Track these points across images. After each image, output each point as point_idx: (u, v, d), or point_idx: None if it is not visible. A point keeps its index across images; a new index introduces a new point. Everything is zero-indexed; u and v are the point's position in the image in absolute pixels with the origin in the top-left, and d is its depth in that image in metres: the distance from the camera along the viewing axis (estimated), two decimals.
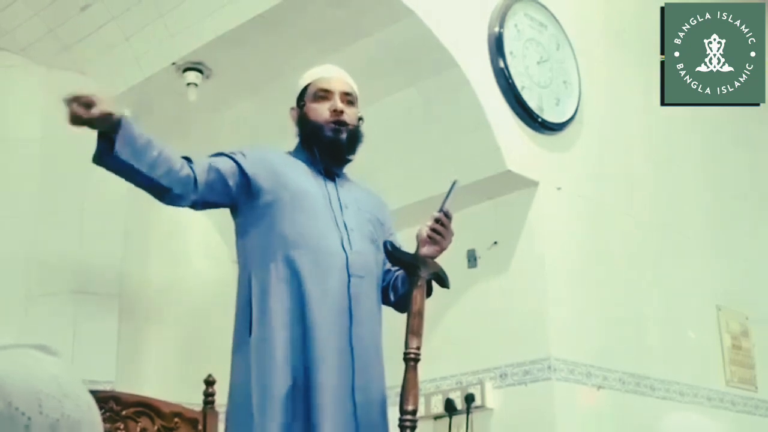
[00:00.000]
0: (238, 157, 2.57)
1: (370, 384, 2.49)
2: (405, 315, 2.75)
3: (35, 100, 4.42)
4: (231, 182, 2.53)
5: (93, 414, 0.81)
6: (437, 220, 2.52)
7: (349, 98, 2.70)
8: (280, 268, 2.50)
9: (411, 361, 2.41)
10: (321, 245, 2.52)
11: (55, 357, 0.81)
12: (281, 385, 2.40)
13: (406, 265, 2.51)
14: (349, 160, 2.74)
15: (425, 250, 2.53)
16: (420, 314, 2.46)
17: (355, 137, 2.70)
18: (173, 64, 4.14)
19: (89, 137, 4.49)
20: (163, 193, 2.41)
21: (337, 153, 2.67)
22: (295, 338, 2.45)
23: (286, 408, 2.39)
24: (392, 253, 2.49)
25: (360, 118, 2.73)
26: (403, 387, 2.39)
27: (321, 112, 2.66)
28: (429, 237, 2.53)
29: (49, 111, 4.42)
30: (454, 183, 2.55)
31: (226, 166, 2.53)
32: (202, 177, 2.46)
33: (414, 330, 2.44)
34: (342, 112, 2.65)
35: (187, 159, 2.46)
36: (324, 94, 2.68)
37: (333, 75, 2.74)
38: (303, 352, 2.43)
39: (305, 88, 2.74)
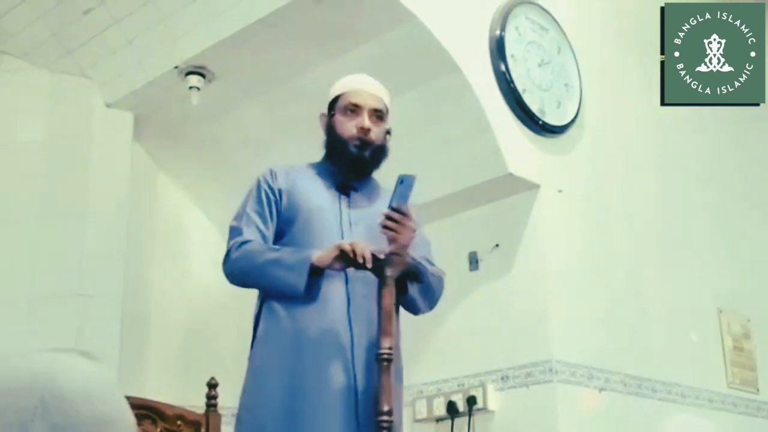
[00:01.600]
0: (274, 188, 2.67)
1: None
2: (404, 319, 2.78)
3: (38, 103, 4.43)
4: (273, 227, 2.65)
5: (129, 417, 0.85)
6: (388, 217, 2.48)
7: (378, 114, 2.68)
8: None
9: (384, 361, 2.38)
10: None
11: (96, 362, 0.85)
12: (277, 408, 2.44)
13: (371, 267, 2.47)
14: (372, 174, 2.75)
15: (389, 248, 2.49)
16: (389, 314, 2.41)
17: (379, 154, 2.70)
18: (176, 67, 4.15)
19: (91, 141, 4.50)
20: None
21: (358, 170, 2.67)
22: (289, 363, 2.47)
23: (276, 425, 2.43)
24: (353, 259, 2.45)
25: (387, 132, 2.73)
26: (378, 388, 2.38)
27: (348, 127, 2.65)
28: (384, 234, 2.49)
29: (52, 114, 4.44)
30: (401, 178, 2.47)
31: (267, 225, 2.65)
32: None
33: (384, 330, 2.40)
34: (369, 130, 2.63)
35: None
36: (353, 109, 2.66)
37: (365, 89, 2.70)
38: (298, 377, 2.45)
39: (337, 98, 2.72)
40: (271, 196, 2.64)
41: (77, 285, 4.17)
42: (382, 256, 2.45)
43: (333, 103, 2.71)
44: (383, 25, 3.88)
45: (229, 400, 3.87)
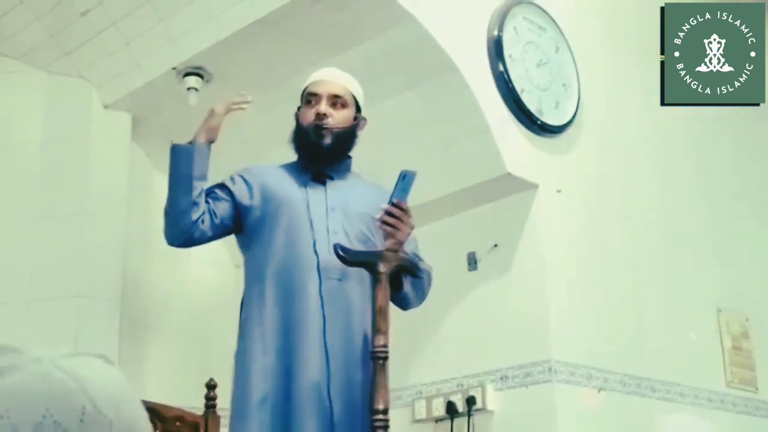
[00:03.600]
0: (230, 187, 2.73)
1: (350, 384, 2.49)
2: (401, 316, 2.77)
3: (36, 105, 4.42)
4: (227, 217, 2.69)
5: (148, 421, 0.86)
6: (388, 213, 2.50)
7: (338, 101, 2.70)
8: (259, 283, 2.56)
9: (378, 359, 2.39)
10: (292, 254, 2.54)
11: (112, 365, 0.85)
12: (256, 394, 2.46)
13: (362, 264, 2.48)
14: (339, 161, 2.75)
15: (384, 244, 2.52)
16: (382, 311, 2.42)
17: (342, 139, 2.70)
18: (174, 68, 4.15)
19: (89, 143, 4.49)
20: (185, 217, 2.60)
21: (319, 156, 2.69)
22: (268, 349, 2.49)
23: (261, 417, 2.44)
24: (344, 256, 2.46)
25: (356, 119, 2.74)
26: (372, 387, 2.38)
27: (308, 116, 2.71)
28: (382, 229, 2.52)
29: (50, 116, 4.43)
30: (403, 173, 2.50)
31: (220, 207, 2.68)
32: (206, 223, 2.64)
33: (378, 328, 2.41)
34: (324, 115, 2.66)
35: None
36: (311, 99, 2.71)
37: (324, 78, 2.75)
38: (277, 360, 2.47)
39: (303, 93, 2.78)
40: (230, 183, 2.72)
41: (75, 286, 4.16)
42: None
43: (301, 101, 2.78)
44: (381, 25, 3.88)
45: (228, 401, 3.87)
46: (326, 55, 3.98)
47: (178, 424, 3.46)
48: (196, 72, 4.17)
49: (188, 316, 4.74)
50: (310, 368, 2.45)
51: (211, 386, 3.58)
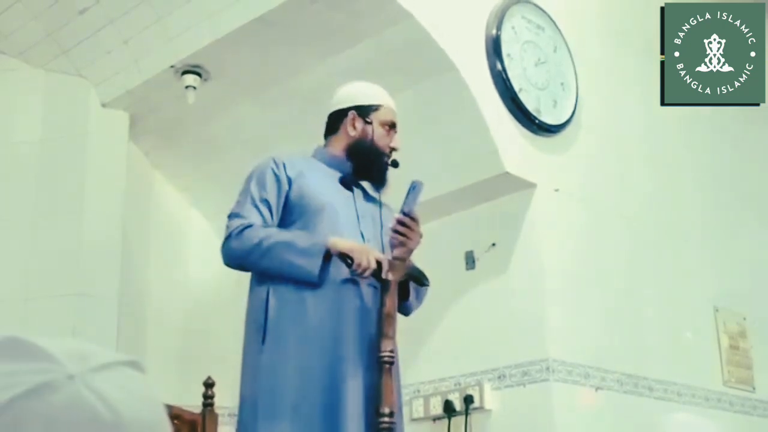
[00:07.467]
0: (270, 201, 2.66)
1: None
2: (404, 320, 2.79)
3: (34, 103, 4.42)
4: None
5: (168, 424, 0.85)
6: (400, 222, 2.55)
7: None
8: (295, 284, 2.53)
9: (385, 364, 2.42)
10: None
11: (142, 371, 0.84)
12: (292, 391, 2.43)
13: (372, 272, 2.51)
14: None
15: (393, 252, 2.57)
16: (390, 317, 2.47)
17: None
18: (172, 66, 4.15)
19: (87, 141, 4.49)
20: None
21: (378, 180, 2.73)
22: (308, 344, 2.47)
23: (296, 415, 2.41)
24: (352, 265, 2.49)
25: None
26: (379, 390, 2.40)
27: (385, 142, 2.79)
28: (392, 239, 2.56)
29: (48, 114, 4.43)
30: (414, 184, 2.57)
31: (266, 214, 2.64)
32: None
33: (385, 333, 2.44)
34: (395, 150, 2.78)
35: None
36: (391, 127, 2.82)
37: (394, 108, 2.85)
38: (317, 356, 2.45)
39: (376, 106, 2.77)
40: (284, 185, 2.65)
41: (74, 284, 4.16)
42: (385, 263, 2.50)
43: (368, 110, 2.75)
44: (380, 24, 3.88)
45: (225, 400, 3.87)
46: (324, 53, 3.98)
47: (175, 422, 3.46)
48: (195, 70, 4.17)
49: (186, 315, 4.74)
50: (352, 369, 2.45)
51: (208, 385, 3.58)
